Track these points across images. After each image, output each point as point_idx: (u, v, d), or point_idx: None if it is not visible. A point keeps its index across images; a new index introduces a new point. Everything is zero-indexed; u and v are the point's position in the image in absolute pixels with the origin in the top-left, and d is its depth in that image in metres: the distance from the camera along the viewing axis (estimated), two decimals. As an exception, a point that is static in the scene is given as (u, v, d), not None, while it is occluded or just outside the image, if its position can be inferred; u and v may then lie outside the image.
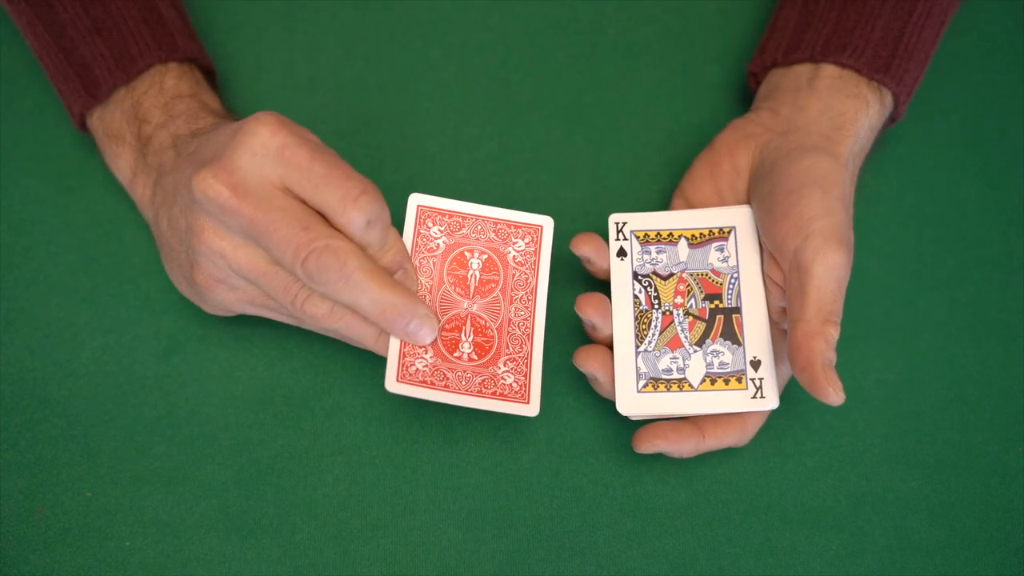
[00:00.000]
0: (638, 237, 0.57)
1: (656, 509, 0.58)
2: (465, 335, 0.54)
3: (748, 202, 0.57)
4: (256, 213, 0.48)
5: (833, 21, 0.59)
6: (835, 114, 0.56)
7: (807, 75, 0.58)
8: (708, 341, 0.55)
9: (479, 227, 0.56)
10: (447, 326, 0.54)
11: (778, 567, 0.57)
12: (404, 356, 0.53)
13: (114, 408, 0.58)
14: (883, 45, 0.58)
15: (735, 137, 0.59)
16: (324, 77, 0.65)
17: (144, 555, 0.56)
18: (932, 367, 0.61)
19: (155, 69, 0.58)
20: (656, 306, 0.56)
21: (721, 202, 0.58)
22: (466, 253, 0.55)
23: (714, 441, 0.55)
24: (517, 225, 0.56)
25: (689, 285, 0.56)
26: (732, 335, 0.55)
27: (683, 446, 0.54)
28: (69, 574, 0.55)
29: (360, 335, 0.53)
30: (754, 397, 0.54)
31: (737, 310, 0.55)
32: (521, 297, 0.55)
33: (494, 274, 0.55)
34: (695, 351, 0.55)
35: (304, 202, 0.50)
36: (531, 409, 0.53)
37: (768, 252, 0.55)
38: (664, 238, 0.57)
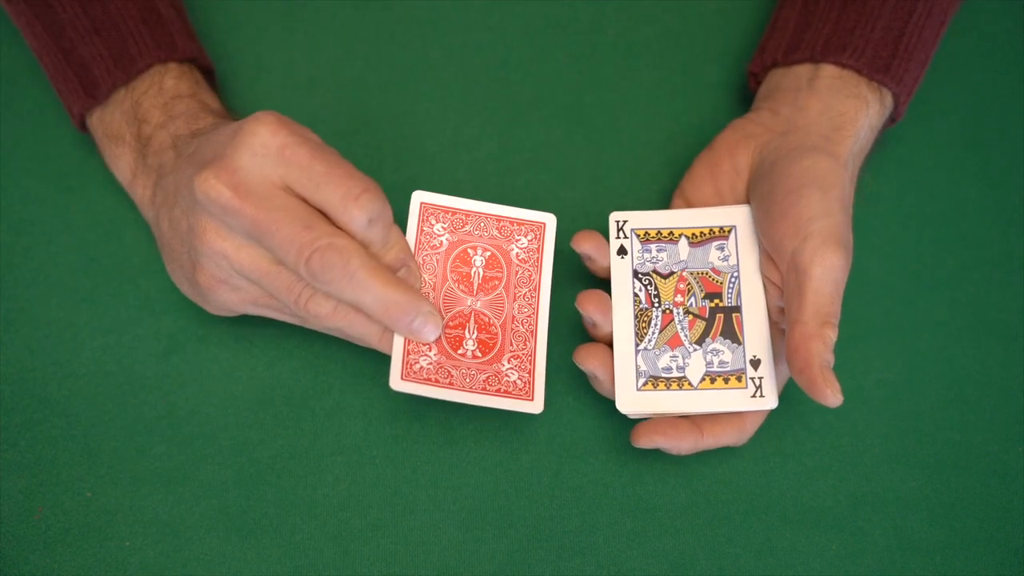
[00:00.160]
0: (638, 235, 0.57)
1: (656, 509, 0.58)
2: (469, 332, 0.54)
3: (748, 202, 0.57)
4: (258, 213, 0.48)
5: (833, 21, 0.59)
6: (835, 114, 0.56)
7: (807, 75, 0.58)
8: (708, 340, 0.55)
9: (482, 224, 0.56)
10: (451, 323, 0.54)
11: (778, 567, 0.57)
12: (408, 354, 0.53)
13: (114, 408, 0.58)
14: (883, 45, 0.58)
15: (735, 137, 0.59)
16: (324, 77, 0.65)
17: (144, 555, 0.56)
18: (932, 367, 0.61)
19: (154, 69, 0.58)
20: (656, 304, 0.56)
21: (721, 202, 0.58)
22: (469, 250, 0.55)
23: (712, 439, 0.54)
24: (520, 222, 0.56)
25: (689, 284, 0.56)
26: (732, 334, 0.55)
27: (681, 443, 0.54)
28: (69, 574, 0.55)
29: (364, 333, 0.53)
30: (753, 396, 0.54)
31: (737, 309, 0.55)
32: (524, 294, 0.55)
33: (497, 271, 0.55)
34: (695, 350, 0.55)
35: (305, 201, 0.50)
36: (535, 406, 0.53)
37: (765, 252, 0.55)
38: (665, 237, 0.57)
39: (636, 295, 0.56)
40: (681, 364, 0.55)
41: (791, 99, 0.58)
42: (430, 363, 0.53)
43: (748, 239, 0.56)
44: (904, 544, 0.58)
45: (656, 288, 0.56)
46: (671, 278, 0.56)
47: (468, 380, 0.53)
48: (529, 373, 0.54)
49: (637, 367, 0.55)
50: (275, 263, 0.50)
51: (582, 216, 0.63)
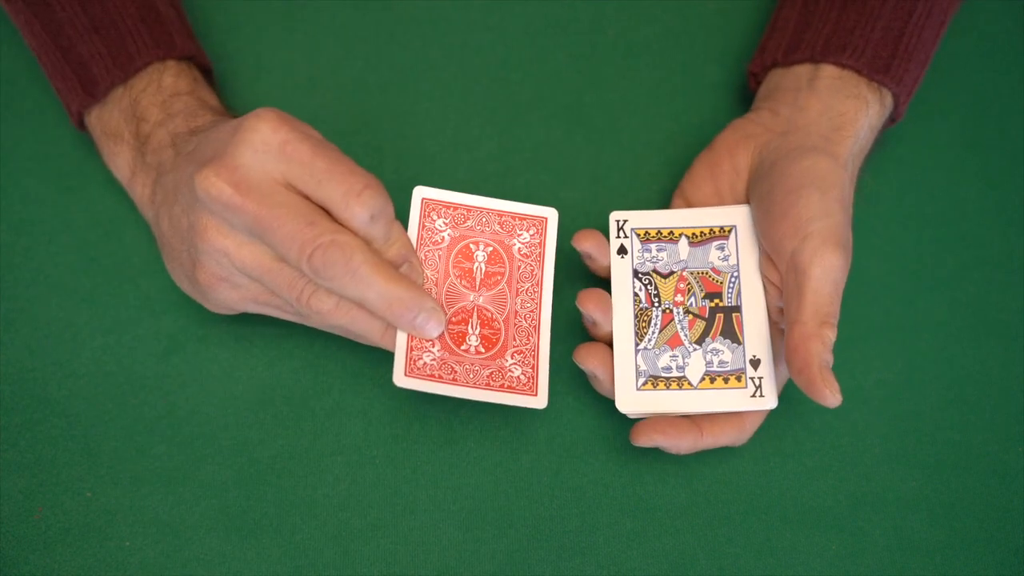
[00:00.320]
0: (639, 235, 0.57)
1: (656, 509, 0.58)
2: (472, 328, 0.54)
3: (747, 202, 0.57)
4: (260, 210, 0.48)
5: (833, 21, 0.59)
6: (835, 114, 0.56)
7: (807, 75, 0.58)
8: (708, 339, 0.55)
9: (484, 219, 0.56)
10: (453, 319, 0.54)
11: (778, 567, 0.57)
12: (411, 350, 0.53)
13: (114, 408, 0.58)
14: (883, 45, 0.58)
15: (735, 137, 0.59)
16: (324, 77, 0.65)
17: (144, 555, 0.56)
18: (932, 367, 0.61)
19: (153, 67, 0.58)
20: (656, 304, 0.56)
21: (720, 202, 0.58)
22: (471, 245, 0.55)
23: (711, 439, 0.54)
24: (522, 217, 0.56)
25: (689, 283, 0.56)
26: (732, 334, 0.55)
27: (680, 442, 0.54)
28: (69, 574, 0.55)
29: (366, 330, 0.53)
30: (753, 396, 0.54)
31: (737, 309, 0.55)
32: (527, 289, 0.55)
33: (500, 266, 0.55)
34: (695, 349, 0.55)
35: (307, 198, 0.49)
36: (539, 401, 0.53)
37: (765, 252, 0.55)
38: (665, 236, 0.57)
39: (636, 294, 0.56)
40: (681, 364, 0.55)
41: (791, 99, 0.58)
42: (433, 359, 0.53)
43: (748, 239, 0.56)
44: (904, 544, 0.58)
45: (656, 288, 0.56)
46: (671, 278, 0.56)
47: (472, 376, 0.53)
48: (533, 368, 0.54)
49: (637, 366, 0.55)
50: (277, 260, 0.50)
51: (582, 216, 0.63)
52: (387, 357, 0.59)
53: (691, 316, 0.56)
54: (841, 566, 0.57)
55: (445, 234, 0.55)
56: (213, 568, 0.55)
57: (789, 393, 0.59)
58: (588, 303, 0.55)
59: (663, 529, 0.57)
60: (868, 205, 0.63)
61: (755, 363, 0.54)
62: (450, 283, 0.54)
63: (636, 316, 0.56)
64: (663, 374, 0.55)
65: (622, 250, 0.57)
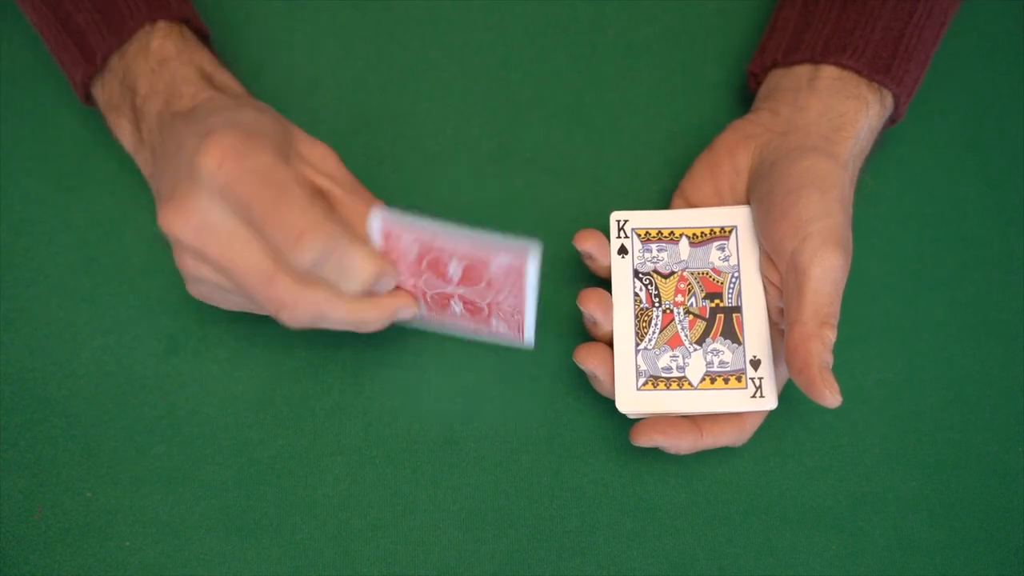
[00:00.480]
0: (639, 235, 0.57)
1: (656, 509, 0.58)
2: (454, 303, 0.52)
3: (748, 202, 0.57)
4: (222, 259, 0.48)
5: (833, 22, 0.59)
6: (835, 115, 0.56)
7: (807, 76, 0.58)
8: (708, 340, 0.55)
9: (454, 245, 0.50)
10: (434, 299, 0.53)
11: (778, 567, 0.57)
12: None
13: (114, 408, 0.58)
14: (883, 46, 0.58)
15: (735, 137, 0.59)
16: (324, 77, 0.65)
17: (144, 555, 0.56)
18: (932, 367, 0.61)
19: (143, 32, 0.56)
20: (657, 304, 0.56)
21: (720, 202, 0.58)
22: (443, 259, 0.50)
23: (711, 439, 0.54)
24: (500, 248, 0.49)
25: (690, 284, 0.56)
26: (732, 334, 0.55)
27: (680, 442, 0.54)
28: (69, 574, 0.55)
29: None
30: (753, 396, 0.54)
31: (737, 309, 0.56)
32: (508, 303, 0.51)
33: (476, 277, 0.51)
34: (695, 349, 0.55)
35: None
36: (526, 343, 0.53)
37: (765, 252, 0.55)
38: (665, 236, 0.57)
39: (637, 295, 0.56)
40: (681, 364, 0.55)
41: (791, 99, 0.58)
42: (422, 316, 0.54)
43: (749, 239, 0.56)
44: (904, 544, 0.58)
45: (657, 288, 0.56)
46: (672, 278, 0.56)
47: (458, 327, 0.54)
48: (519, 321, 0.52)
49: (637, 367, 0.55)
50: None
51: (582, 216, 0.63)
52: (388, 357, 0.60)
53: (691, 316, 0.56)
54: (841, 566, 0.57)
55: (413, 251, 0.51)
56: (213, 568, 0.56)
57: (789, 393, 0.59)
58: (589, 302, 0.55)
59: (663, 529, 0.57)
60: (868, 205, 0.63)
61: (755, 363, 0.54)
62: (427, 278, 0.51)
63: (636, 316, 0.56)
64: (663, 374, 0.55)
65: (623, 250, 0.57)
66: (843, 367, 0.60)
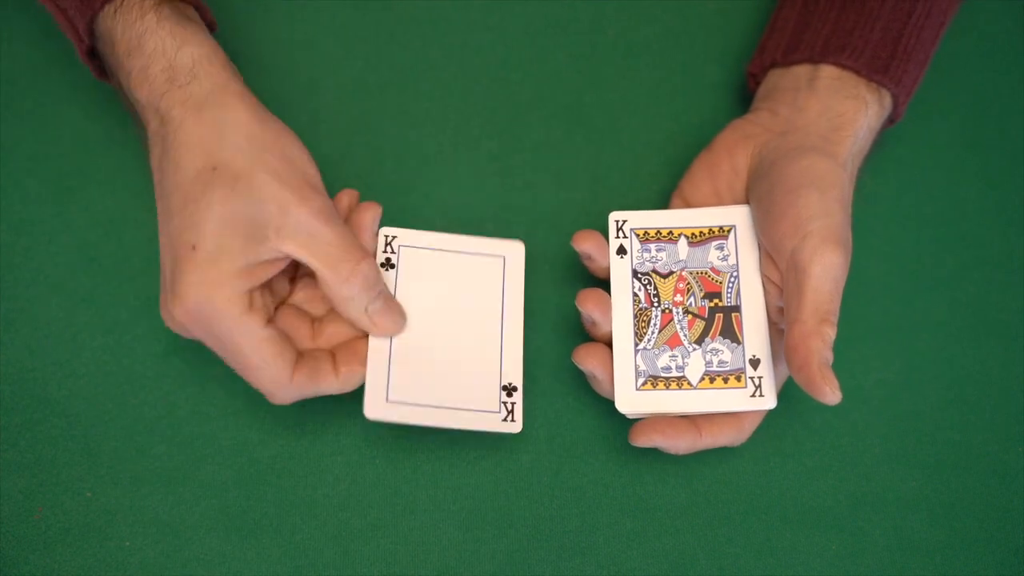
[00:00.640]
0: (638, 235, 0.57)
1: (656, 509, 0.58)
2: None
3: (746, 202, 0.57)
4: (223, 352, 0.52)
5: (832, 22, 0.59)
6: (834, 115, 0.56)
7: (806, 76, 0.58)
8: (707, 339, 0.55)
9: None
10: None
11: (778, 567, 0.57)
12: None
13: (114, 408, 0.58)
14: (882, 46, 0.58)
15: (734, 137, 0.59)
16: (324, 77, 0.65)
17: (144, 555, 0.56)
18: (932, 367, 0.61)
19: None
20: (656, 304, 0.56)
21: (719, 202, 0.58)
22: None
23: (710, 439, 0.54)
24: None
25: (689, 283, 0.56)
26: (731, 333, 0.55)
27: (679, 442, 0.54)
28: (69, 574, 0.55)
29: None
30: (753, 396, 0.54)
31: (736, 308, 0.55)
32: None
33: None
34: (694, 349, 0.55)
35: None
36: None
37: (765, 251, 0.55)
38: (664, 236, 0.57)
39: (635, 295, 0.56)
40: (680, 364, 0.55)
41: (790, 99, 0.58)
42: None
43: (747, 239, 0.56)
44: (904, 544, 0.58)
45: (655, 288, 0.56)
46: (670, 278, 0.56)
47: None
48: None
49: (636, 367, 0.55)
50: None
51: (582, 216, 0.63)
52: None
53: (690, 316, 0.56)
54: (841, 566, 0.57)
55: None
56: (213, 568, 0.56)
57: (789, 393, 0.59)
58: (587, 303, 0.55)
59: (663, 529, 0.57)
60: (867, 205, 0.63)
61: (754, 363, 0.54)
62: None
63: (635, 316, 0.56)
64: (663, 374, 0.55)
65: (621, 250, 0.57)
66: (843, 367, 0.60)
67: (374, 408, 0.53)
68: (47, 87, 0.63)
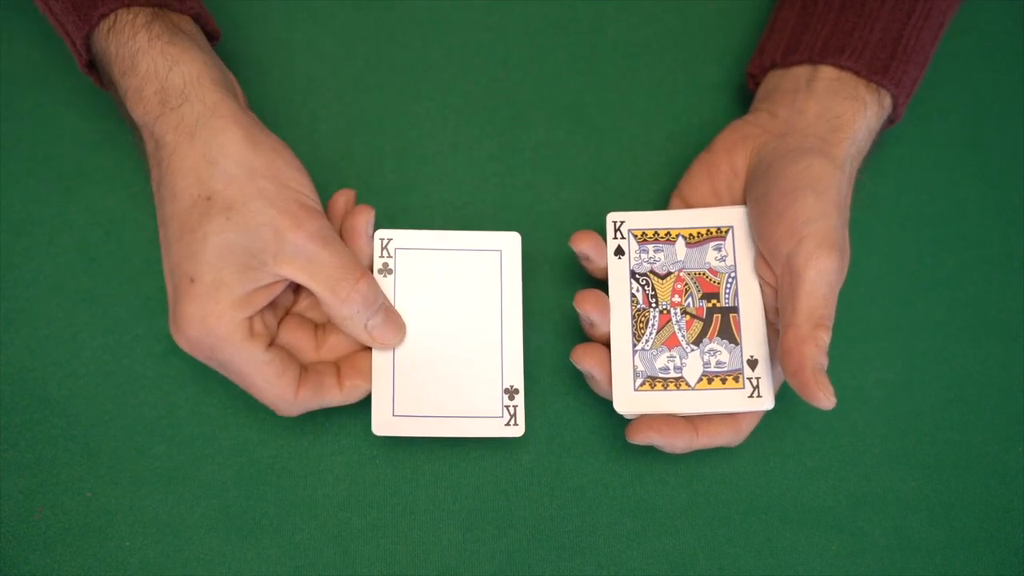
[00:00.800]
0: (636, 236, 0.57)
1: (656, 509, 0.58)
2: None
3: (744, 203, 0.57)
4: (228, 374, 0.53)
5: (831, 23, 0.59)
6: (832, 116, 0.56)
7: (805, 77, 0.58)
8: (705, 340, 0.55)
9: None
10: None
11: (778, 567, 0.57)
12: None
13: (114, 408, 0.58)
14: (881, 47, 0.57)
15: (733, 138, 0.59)
16: (324, 77, 0.65)
17: (144, 555, 0.56)
18: (932, 367, 0.61)
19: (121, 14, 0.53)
20: (653, 305, 0.56)
21: (718, 203, 0.58)
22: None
23: (707, 439, 0.54)
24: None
25: (687, 284, 0.56)
26: (729, 334, 0.55)
27: (676, 441, 0.54)
28: (69, 574, 0.55)
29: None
30: (751, 396, 0.54)
31: (734, 309, 0.55)
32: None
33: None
34: (692, 350, 0.55)
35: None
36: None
37: (759, 252, 0.55)
38: (662, 237, 0.57)
39: (633, 295, 0.56)
40: (678, 364, 0.55)
41: (789, 100, 0.58)
42: None
43: (745, 240, 0.56)
44: (904, 544, 0.58)
45: (653, 288, 0.56)
46: (668, 278, 0.56)
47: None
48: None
49: (634, 367, 0.55)
50: None
51: (582, 216, 0.63)
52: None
53: (688, 317, 0.56)
54: (841, 566, 0.57)
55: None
56: (213, 568, 0.56)
57: (789, 393, 0.59)
58: (585, 304, 0.55)
59: (663, 529, 0.57)
60: (867, 205, 0.63)
61: (752, 363, 0.54)
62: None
63: (633, 317, 0.56)
64: (661, 375, 0.55)
65: (619, 251, 0.57)
66: (843, 367, 0.60)
67: (381, 425, 0.54)
68: (47, 87, 0.63)
